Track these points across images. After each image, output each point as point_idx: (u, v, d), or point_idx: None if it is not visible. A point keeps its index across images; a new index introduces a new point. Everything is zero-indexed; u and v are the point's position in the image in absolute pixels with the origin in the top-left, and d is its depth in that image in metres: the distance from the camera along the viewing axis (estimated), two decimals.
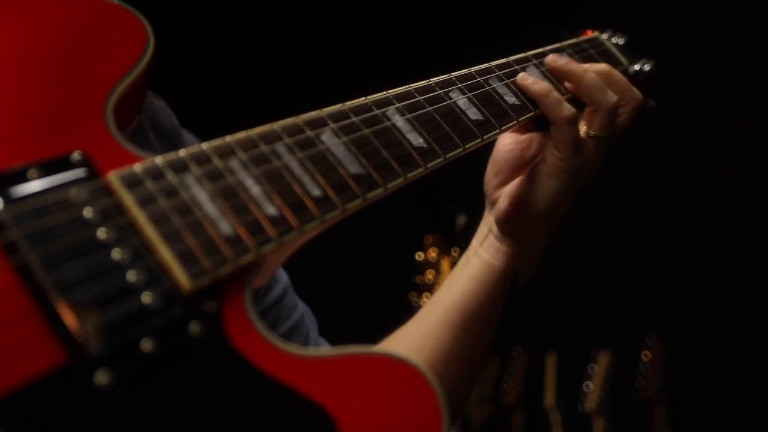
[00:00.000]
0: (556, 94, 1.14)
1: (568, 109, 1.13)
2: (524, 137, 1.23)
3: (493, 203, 1.23)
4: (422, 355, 1.19)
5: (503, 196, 1.21)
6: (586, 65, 1.20)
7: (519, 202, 1.19)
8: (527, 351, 3.81)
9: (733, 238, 3.47)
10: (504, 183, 1.22)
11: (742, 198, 3.43)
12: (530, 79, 1.15)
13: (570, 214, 1.22)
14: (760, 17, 3.40)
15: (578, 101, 1.19)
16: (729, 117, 3.41)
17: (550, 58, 1.20)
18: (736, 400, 3.33)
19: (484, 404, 3.69)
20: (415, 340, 1.21)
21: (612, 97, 1.16)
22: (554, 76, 1.22)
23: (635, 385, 3.45)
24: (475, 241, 1.26)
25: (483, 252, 1.23)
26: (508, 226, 1.20)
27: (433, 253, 3.27)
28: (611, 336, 3.61)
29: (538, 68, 1.21)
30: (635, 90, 1.22)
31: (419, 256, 3.29)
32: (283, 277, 1.23)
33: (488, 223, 1.24)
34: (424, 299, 3.18)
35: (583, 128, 1.18)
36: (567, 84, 1.21)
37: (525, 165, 1.21)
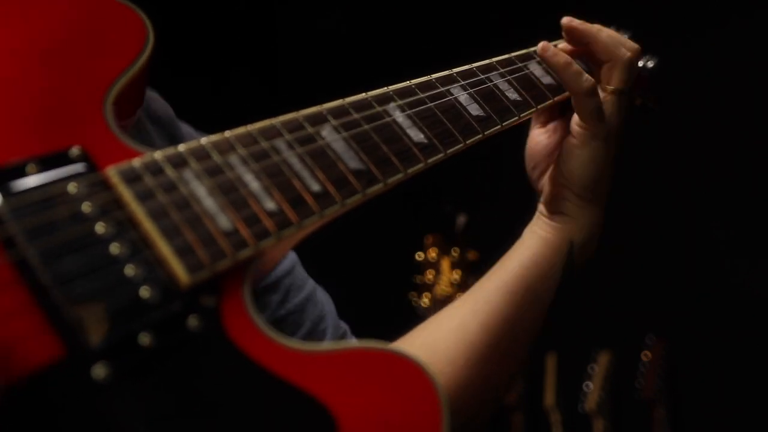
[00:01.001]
0: (576, 66, 1.17)
1: (588, 80, 1.16)
2: (550, 126, 1.27)
3: (539, 190, 1.26)
4: (477, 318, 1.16)
5: (545, 179, 1.24)
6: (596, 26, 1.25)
7: (559, 181, 1.21)
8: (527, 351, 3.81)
9: (733, 238, 3.47)
10: (544, 171, 1.25)
11: (743, 198, 3.43)
12: (551, 50, 1.19)
13: (613, 179, 1.24)
14: (761, 17, 3.40)
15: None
16: (730, 117, 3.41)
17: (565, 20, 1.23)
18: (736, 400, 3.33)
19: None
20: (470, 305, 1.19)
21: (627, 51, 1.21)
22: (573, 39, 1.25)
23: (635, 385, 3.45)
24: (529, 225, 1.26)
25: (537, 229, 1.24)
26: (554, 206, 1.22)
27: (433, 253, 3.27)
28: (611, 336, 3.60)
29: (541, 65, 1.21)
30: (632, 42, 1.26)
31: (419, 256, 3.29)
32: (292, 254, 1.22)
33: (539, 209, 1.26)
34: (424, 299, 3.18)
35: (601, 89, 1.21)
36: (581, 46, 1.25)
37: (557, 149, 1.24)
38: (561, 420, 3.61)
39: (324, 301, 1.25)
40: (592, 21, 1.33)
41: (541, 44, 1.20)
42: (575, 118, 1.18)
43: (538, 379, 3.72)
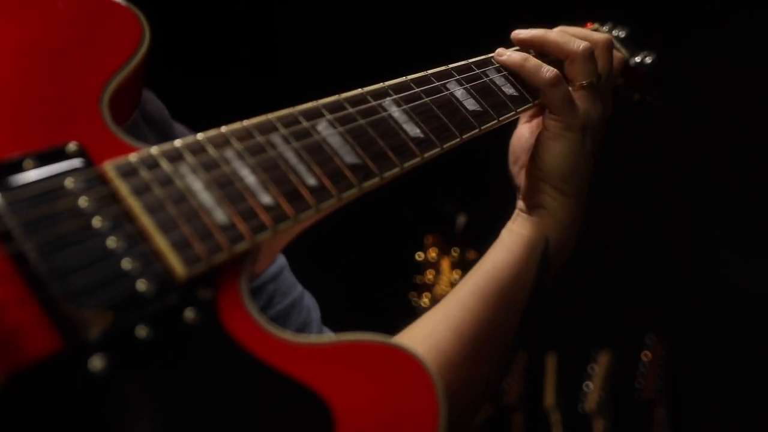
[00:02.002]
0: (533, 60, 1.17)
1: (549, 70, 1.15)
2: (534, 121, 1.27)
3: (517, 184, 1.26)
4: (448, 323, 1.16)
5: (520, 172, 1.24)
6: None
7: (535, 174, 1.20)
8: (527, 351, 3.81)
9: (733, 238, 3.47)
10: (523, 166, 1.25)
11: (742, 197, 3.43)
12: (505, 54, 1.19)
13: (591, 173, 1.23)
14: (760, 14, 3.41)
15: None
16: (729, 116, 3.41)
17: (513, 34, 1.24)
18: (736, 400, 3.33)
19: (484, 404, 3.69)
20: (443, 311, 1.19)
21: (580, 42, 1.20)
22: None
23: (635, 385, 3.45)
24: (507, 223, 1.26)
25: (514, 226, 1.23)
26: (531, 199, 1.22)
27: (433, 253, 3.27)
28: (611, 336, 3.61)
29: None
30: (597, 33, 1.25)
31: (419, 256, 3.30)
32: (280, 258, 1.23)
33: (518, 205, 1.26)
34: (424, 299, 3.19)
35: (571, 85, 1.20)
36: (536, 51, 1.23)
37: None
38: (561, 420, 3.61)
39: (311, 308, 1.25)
40: (590, 19, 1.34)
41: (497, 50, 1.20)
42: (547, 112, 1.18)
43: (538, 379, 3.72)
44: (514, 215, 1.25)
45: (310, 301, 1.25)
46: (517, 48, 1.23)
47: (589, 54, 1.19)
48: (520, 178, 1.25)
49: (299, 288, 1.24)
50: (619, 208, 3.62)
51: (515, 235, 1.22)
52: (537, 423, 3.72)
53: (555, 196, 1.20)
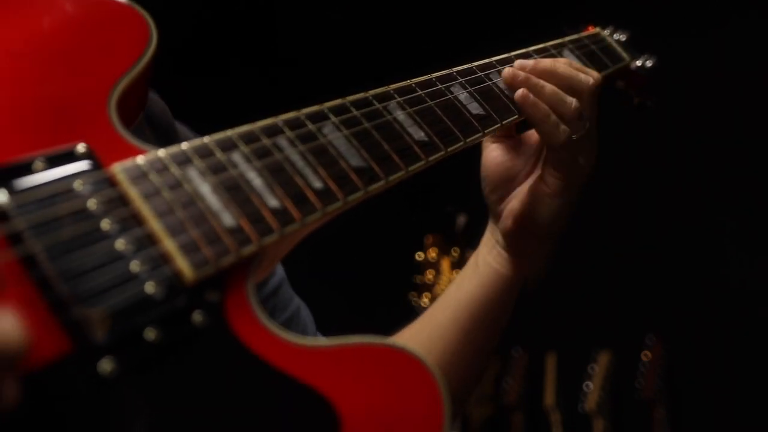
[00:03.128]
0: (554, 118, 1.13)
1: (565, 131, 1.13)
2: (509, 144, 1.24)
3: (497, 216, 1.24)
4: (431, 356, 1.17)
5: (507, 215, 1.22)
6: (539, 72, 1.16)
7: (524, 222, 1.20)
8: (527, 351, 3.81)
9: (732, 238, 3.48)
10: (504, 197, 1.24)
11: (742, 197, 3.44)
12: (530, 100, 1.12)
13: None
14: (758, 17, 3.41)
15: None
16: (729, 117, 3.42)
17: (518, 63, 1.16)
18: (736, 400, 3.34)
19: (484, 404, 3.70)
20: (423, 340, 1.22)
21: (572, 102, 1.14)
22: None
23: (635, 385, 3.45)
24: (483, 248, 1.27)
25: (492, 261, 1.24)
26: (513, 241, 1.22)
27: (433, 253, 3.27)
28: (611, 336, 3.61)
29: None
30: (582, 76, 1.18)
31: (419, 256, 3.30)
32: (279, 271, 1.24)
33: (495, 234, 1.26)
34: (424, 299, 3.19)
35: None
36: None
37: (517, 175, 1.23)
38: (561, 420, 3.61)
39: (307, 321, 1.27)
40: (594, 19, 1.34)
41: (520, 92, 1.12)
42: (548, 166, 1.16)
43: (538, 379, 3.72)
44: (491, 246, 1.25)
45: (305, 314, 1.27)
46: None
47: (581, 113, 1.15)
48: (499, 209, 1.24)
49: (296, 301, 1.26)
50: (619, 209, 3.63)
51: (493, 272, 1.24)
52: (537, 423, 3.73)
53: (538, 243, 1.22)
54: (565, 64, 1.18)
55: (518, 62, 1.17)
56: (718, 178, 3.48)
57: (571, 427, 3.61)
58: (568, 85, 1.16)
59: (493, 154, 1.25)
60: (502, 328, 1.26)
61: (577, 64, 1.21)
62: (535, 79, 1.14)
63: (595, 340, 3.62)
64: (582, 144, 1.16)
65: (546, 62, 1.17)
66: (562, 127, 1.12)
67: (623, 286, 3.65)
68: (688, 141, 3.49)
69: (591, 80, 1.18)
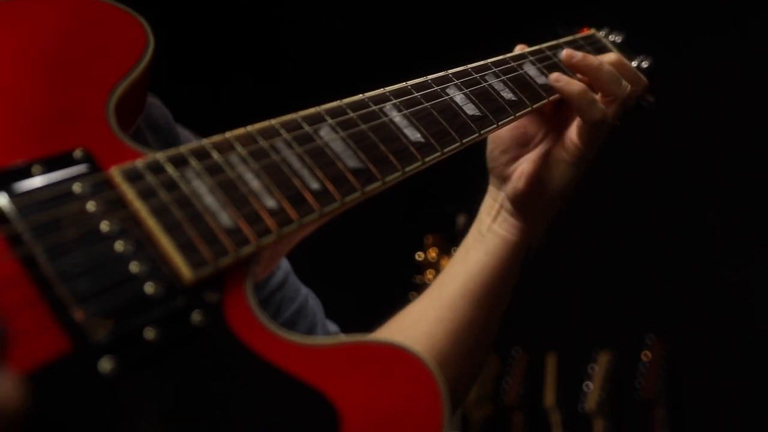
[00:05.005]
0: (590, 95, 1.18)
1: (600, 110, 1.18)
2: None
3: (503, 179, 1.27)
4: (443, 326, 1.21)
5: (519, 175, 1.24)
6: (600, 57, 1.25)
7: (536, 183, 1.23)
8: (527, 351, 3.82)
9: (732, 238, 3.48)
10: (514, 160, 1.26)
11: (742, 197, 3.44)
12: (564, 80, 1.19)
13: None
14: (756, 21, 3.42)
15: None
16: (727, 116, 3.42)
17: (566, 54, 1.23)
18: (736, 400, 3.34)
19: (484, 404, 3.70)
20: (434, 312, 1.23)
21: (626, 87, 1.22)
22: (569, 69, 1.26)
23: (635, 385, 3.46)
24: (486, 217, 1.28)
25: (497, 228, 1.26)
26: (523, 204, 1.24)
27: (433, 253, 3.28)
28: (611, 336, 3.62)
29: (535, 65, 1.22)
30: (642, 77, 1.28)
31: (419, 256, 3.31)
32: (284, 264, 1.25)
33: (498, 199, 1.28)
34: None
35: None
36: (581, 77, 1.24)
37: (530, 141, 1.26)
38: (561, 420, 3.62)
39: (315, 310, 1.27)
40: (587, 22, 1.35)
41: (553, 75, 1.20)
42: (572, 135, 1.21)
43: (538, 379, 3.73)
44: (495, 212, 1.27)
45: (313, 302, 1.27)
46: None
47: (629, 99, 1.23)
48: (508, 172, 1.26)
49: (303, 291, 1.26)
50: (618, 209, 3.63)
51: (500, 239, 1.25)
52: (537, 423, 3.73)
53: (545, 209, 1.25)
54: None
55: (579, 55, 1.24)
56: (718, 178, 3.49)
57: (571, 427, 3.61)
58: (626, 73, 1.25)
59: None
60: (508, 297, 1.27)
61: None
62: (592, 58, 1.22)
63: (595, 340, 3.63)
64: (609, 133, 1.22)
65: (612, 55, 1.28)
66: (598, 105, 1.17)
67: (623, 286, 3.66)
68: (688, 141, 3.50)
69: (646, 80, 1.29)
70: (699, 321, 3.47)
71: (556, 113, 1.26)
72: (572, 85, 1.18)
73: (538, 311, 3.73)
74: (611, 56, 1.27)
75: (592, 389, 3.50)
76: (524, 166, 1.25)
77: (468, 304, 1.22)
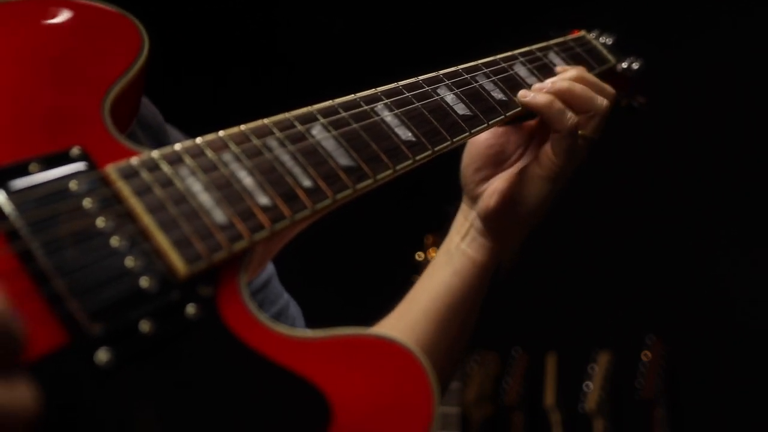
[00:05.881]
0: (558, 104, 1.16)
1: (571, 118, 1.16)
2: (501, 131, 1.26)
3: (475, 198, 1.25)
4: None
5: (491, 192, 1.22)
6: (563, 75, 1.22)
7: (509, 200, 1.20)
8: (527, 351, 3.83)
9: (732, 238, 3.49)
10: (487, 178, 1.24)
11: (741, 198, 3.45)
12: (530, 95, 1.17)
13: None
14: (746, 22, 3.43)
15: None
16: (725, 116, 3.43)
17: (534, 88, 1.20)
18: (736, 400, 3.35)
19: (484, 404, 3.71)
20: (398, 332, 1.20)
21: (603, 101, 1.20)
22: (545, 75, 1.24)
23: (635, 385, 3.47)
24: (455, 235, 1.27)
25: (466, 247, 1.25)
26: (494, 222, 1.22)
27: (433, 253, 3.28)
28: (611, 336, 3.62)
29: (525, 65, 1.24)
30: (608, 87, 1.25)
31: (419, 256, 3.31)
32: (269, 267, 1.25)
33: (469, 218, 1.26)
34: None
35: None
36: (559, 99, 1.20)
37: (506, 160, 1.24)
38: (561, 420, 3.63)
39: (295, 316, 1.27)
40: (578, 22, 1.36)
41: (520, 92, 1.18)
42: (548, 150, 1.18)
43: (538, 379, 3.73)
44: (465, 231, 1.26)
45: (294, 310, 1.28)
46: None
47: (608, 114, 1.21)
48: (480, 190, 1.24)
49: (285, 296, 1.27)
50: (618, 209, 3.64)
51: (467, 259, 1.23)
52: (537, 423, 3.74)
53: (516, 228, 1.22)
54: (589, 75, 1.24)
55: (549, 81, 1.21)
56: (717, 178, 3.49)
57: (571, 427, 3.62)
58: (598, 89, 1.22)
59: (484, 135, 1.25)
60: (475, 318, 1.25)
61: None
62: (560, 82, 1.19)
63: (595, 340, 3.64)
64: (587, 147, 1.20)
65: (572, 72, 1.23)
66: (568, 114, 1.15)
67: (623, 286, 3.66)
68: (687, 141, 3.51)
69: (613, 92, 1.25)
70: (699, 321, 3.48)
71: (536, 132, 1.25)
72: (538, 97, 1.16)
73: (538, 311, 3.74)
74: (574, 72, 1.24)
75: (592, 389, 3.50)
76: (497, 183, 1.23)
77: (431, 325, 1.21)
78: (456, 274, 1.23)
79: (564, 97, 1.18)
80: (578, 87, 1.20)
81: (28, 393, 0.58)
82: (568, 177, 1.20)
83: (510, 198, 1.21)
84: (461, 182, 1.27)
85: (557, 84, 1.19)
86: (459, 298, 1.23)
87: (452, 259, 1.25)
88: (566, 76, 1.22)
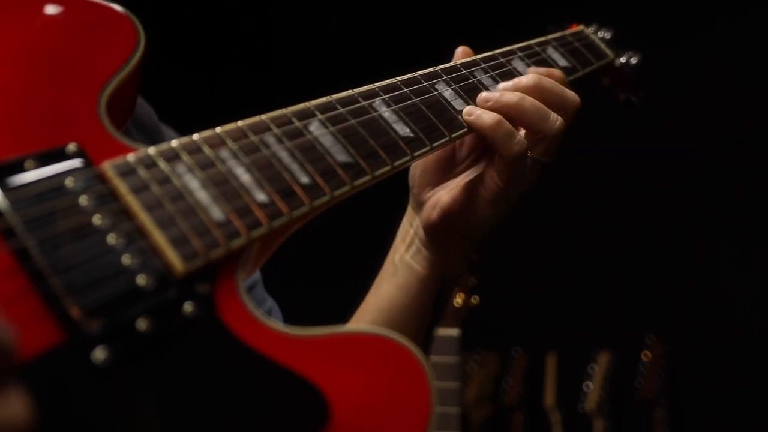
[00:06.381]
0: (505, 126, 1.05)
1: (519, 143, 1.05)
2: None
3: (420, 204, 1.19)
4: None
5: (433, 205, 1.16)
6: (521, 84, 1.12)
7: (451, 219, 1.14)
8: (527, 351, 3.82)
9: (732, 239, 3.49)
10: (431, 184, 1.17)
11: (741, 198, 3.45)
12: (476, 113, 1.07)
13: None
14: (744, 19, 3.43)
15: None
16: (725, 114, 3.43)
17: (481, 98, 1.10)
18: (736, 400, 3.35)
19: (484, 404, 3.70)
20: None
21: (556, 120, 1.09)
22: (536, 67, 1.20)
23: (635, 385, 3.47)
24: (401, 244, 1.22)
25: (410, 259, 1.20)
26: (435, 236, 1.17)
27: None
28: (611, 336, 3.62)
29: (524, 60, 1.23)
30: (570, 94, 1.14)
31: None
32: (255, 274, 1.23)
33: (413, 224, 1.20)
34: None
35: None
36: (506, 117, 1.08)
37: (455, 166, 1.18)
38: (561, 420, 3.62)
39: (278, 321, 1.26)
40: (577, 17, 1.36)
41: (466, 109, 1.08)
42: (492, 173, 1.10)
43: (538, 379, 3.73)
44: (409, 240, 1.20)
45: (277, 316, 1.28)
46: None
47: (562, 134, 1.10)
48: (424, 197, 1.17)
49: (269, 302, 1.27)
50: (618, 209, 3.64)
51: (411, 272, 1.19)
52: (537, 423, 3.74)
53: (460, 243, 1.17)
54: (552, 80, 1.14)
55: (502, 84, 1.13)
56: (717, 178, 3.50)
57: (571, 427, 3.62)
58: (557, 101, 1.12)
59: None
60: (427, 325, 1.21)
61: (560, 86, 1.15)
62: (509, 95, 1.09)
63: (595, 340, 3.63)
64: (536, 169, 1.12)
65: (531, 79, 1.12)
66: (517, 138, 1.06)
67: (623, 286, 3.66)
68: (687, 141, 3.51)
69: (578, 99, 1.14)
70: (699, 321, 3.48)
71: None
72: (483, 117, 1.05)
73: (538, 311, 3.73)
74: (529, 80, 1.12)
75: (592, 389, 3.50)
76: (441, 195, 1.15)
77: None
78: (400, 288, 1.19)
79: (511, 114, 1.07)
80: (528, 103, 1.08)
81: (22, 404, 0.57)
82: (516, 200, 1.13)
83: (452, 215, 1.14)
84: (409, 183, 1.21)
85: (505, 97, 1.08)
86: (404, 313, 1.19)
87: (397, 271, 1.21)
88: (520, 85, 1.11)
